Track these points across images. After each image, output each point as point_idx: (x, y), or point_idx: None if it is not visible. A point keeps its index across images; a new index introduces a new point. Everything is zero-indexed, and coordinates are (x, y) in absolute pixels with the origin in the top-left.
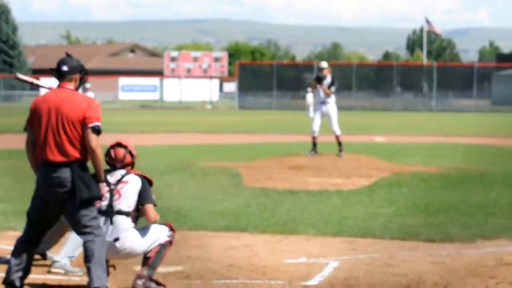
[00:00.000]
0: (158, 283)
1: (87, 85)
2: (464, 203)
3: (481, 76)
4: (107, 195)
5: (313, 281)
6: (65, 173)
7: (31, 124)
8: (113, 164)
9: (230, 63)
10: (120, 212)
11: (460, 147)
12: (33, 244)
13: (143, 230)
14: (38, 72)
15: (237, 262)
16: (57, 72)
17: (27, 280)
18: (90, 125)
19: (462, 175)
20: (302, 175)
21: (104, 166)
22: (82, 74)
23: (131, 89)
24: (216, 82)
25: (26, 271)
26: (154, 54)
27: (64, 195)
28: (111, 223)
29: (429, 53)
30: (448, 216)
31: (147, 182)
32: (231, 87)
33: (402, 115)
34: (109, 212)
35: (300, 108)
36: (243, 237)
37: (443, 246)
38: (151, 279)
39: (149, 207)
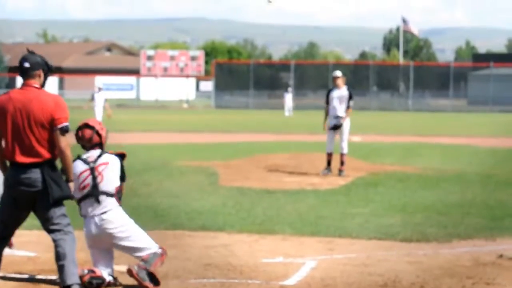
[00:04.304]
0: (154, 276)
1: (100, 84)
2: (440, 202)
3: (457, 76)
4: (89, 176)
5: (290, 281)
6: (36, 174)
7: None
8: (82, 144)
9: (206, 62)
10: (105, 193)
11: (436, 147)
12: (2, 241)
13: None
14: (15, 70)
15: (214, 261)
16: (19, 69)
17: None
18: (59, 126)
19: (438, 174)
20: (279, 174)
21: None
22: (45, 70)
23: (108, 88)
24: (192, 81)
25: None
26: (130, 52)
27: (35, 194)
28: (98, 202)
29: (405, 53)
30: (424, 215)
31: (121, 160)
32: (207, 86)
33: (379, 114)
34: (95, 193)
35: (277, 107)
36: (220, 236)
37: (419, 246)
38: (148, 271)
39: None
